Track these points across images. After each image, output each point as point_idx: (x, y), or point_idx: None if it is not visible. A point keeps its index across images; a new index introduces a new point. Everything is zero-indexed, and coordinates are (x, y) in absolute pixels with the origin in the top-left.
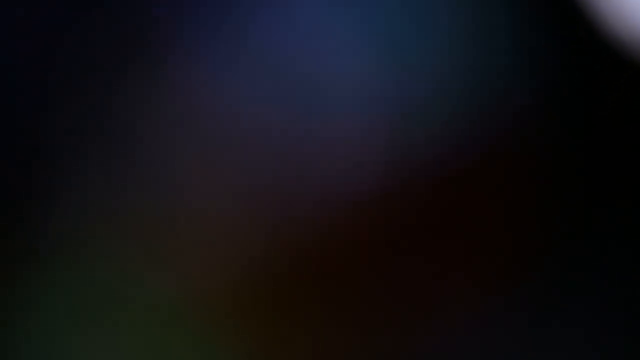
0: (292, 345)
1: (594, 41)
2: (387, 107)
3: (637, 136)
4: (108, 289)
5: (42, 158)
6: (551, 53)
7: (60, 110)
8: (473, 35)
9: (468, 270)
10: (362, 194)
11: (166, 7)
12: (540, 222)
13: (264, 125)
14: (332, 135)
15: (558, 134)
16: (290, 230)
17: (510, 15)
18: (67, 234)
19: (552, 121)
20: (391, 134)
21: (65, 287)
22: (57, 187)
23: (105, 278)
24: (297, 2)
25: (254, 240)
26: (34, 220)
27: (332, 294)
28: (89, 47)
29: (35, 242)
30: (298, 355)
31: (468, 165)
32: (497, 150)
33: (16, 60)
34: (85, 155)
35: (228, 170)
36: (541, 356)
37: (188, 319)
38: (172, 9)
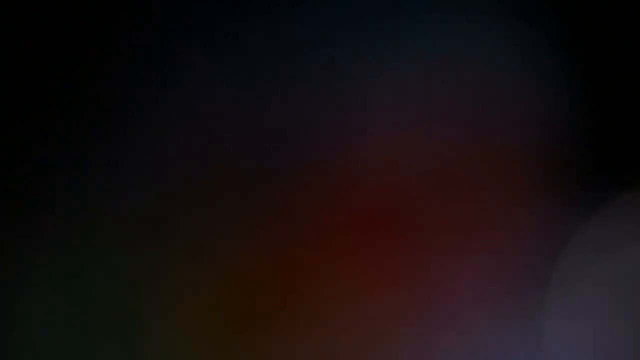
0: (292, 343)
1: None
2: (393, 103)
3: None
4: (107, 290)
5: (43, 159)
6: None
7: (60, 111)
8: (476, 35)
9: (473, 268)
10: (363, 192)
11: (167, 8)
12: (544, 221)
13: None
14: (335, 135)
15: (562, 133)
16: (293, 230)
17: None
18: (67, 234)
19: (557, 120)
20: (397, 132)
21: (65, 288)
22: (58, 187)
23: (104, 279)
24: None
25: (254, 240)
26: (33, 220)
27: (333, 293)
28: (90, 50)
29: (36, 242)
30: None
31: (472, 163)
32: (502, 148)
33: (17, 61)
34: (85, 156)
35: (228, 170)
36: (541, 354)
37: (188, 319)
38: (174, 10)
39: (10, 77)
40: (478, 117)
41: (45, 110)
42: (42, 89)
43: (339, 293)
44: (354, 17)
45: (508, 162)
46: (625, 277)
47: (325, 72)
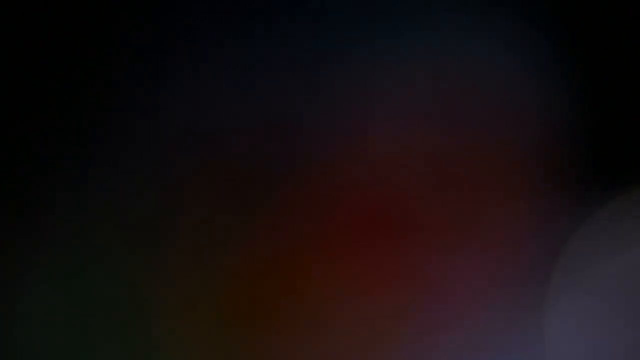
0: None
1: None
2: (392, 105)
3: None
4: (107, 290)
5: (43, 159)
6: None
7: (60, 111)
8: (476, 35)
9: (472, 266)
10: (365, 191)
11: (168, 7)
12: (542, 220)
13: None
14: (334, 136)
15: (562, 133)
16: (294, 229)
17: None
18: (67, 234)
19: (557, 120)
20: (397, 132)
21: (65, 288)
22: (58, 187)
23: (104, 279)
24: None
25: (254, 240)
26: (33, 220)
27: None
28: (90, 50)
29: (36, 242)
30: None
31: (472, 163)
32: (501, 148)
33: (17, 61)
34: (85, 156)
35: (228, 170)
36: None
37: (188, 319)
38: (174, 9)
39: (10, 77)
40: (478, 117)
41: (45, 110)
42: (42, 89)
43: (339, 293)
44: (354, 17)
45: (508, 162)
46: (625, 277)
47: (325, 71)
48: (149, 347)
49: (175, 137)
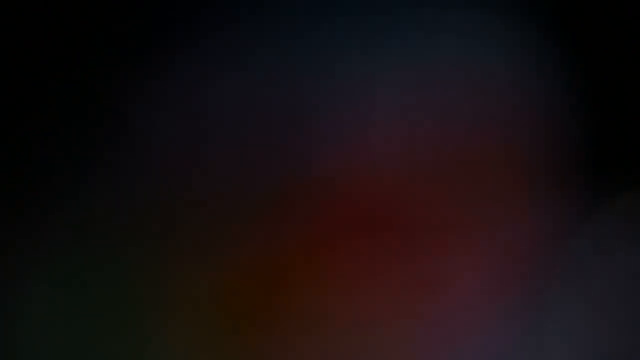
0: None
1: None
2: (391, 104)
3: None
4: (107, 290)
5: (43, 159)
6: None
7: (60, 111)
8: (475, 35)
9: (471, 269)
10: (362, 192)
11: (168, 7)
12: (542, 221)
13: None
14: (335, 136)
15: (561, 133)
16: (293, 229)
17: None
18: (67, 234)
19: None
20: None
21: (65, 288)
22: (58, 187)
23: (105, 279)
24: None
25: (255, 238)
26: (33, 220)
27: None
28: (90, 50)
29: (36, 242)
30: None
31: (472, 164)
32: (500, 147)
33: (17, 61)
34: (85, 156)
35: (229, 168)
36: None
37: (188, 319)
38: (174, 9)
39: (10, 77)
40: (478, 118)
41: (45, 110)
42: (42, 89)
43: (339, 293)
44: (353, 16)
45: (508, 163)
46: (625, 277)
47: (325, 72)
48: (150, 347)
49: (175, 137)
